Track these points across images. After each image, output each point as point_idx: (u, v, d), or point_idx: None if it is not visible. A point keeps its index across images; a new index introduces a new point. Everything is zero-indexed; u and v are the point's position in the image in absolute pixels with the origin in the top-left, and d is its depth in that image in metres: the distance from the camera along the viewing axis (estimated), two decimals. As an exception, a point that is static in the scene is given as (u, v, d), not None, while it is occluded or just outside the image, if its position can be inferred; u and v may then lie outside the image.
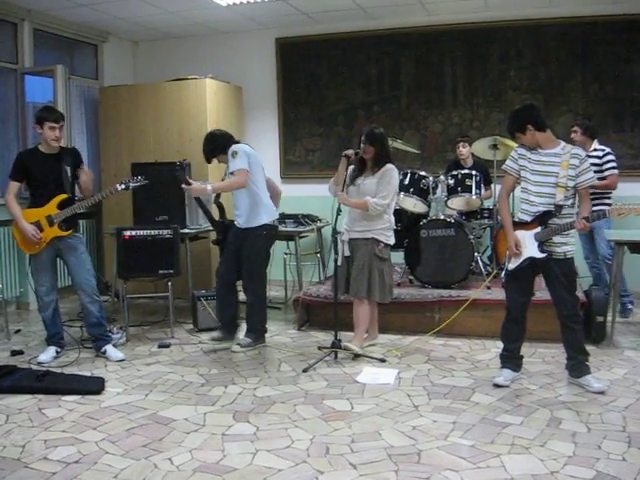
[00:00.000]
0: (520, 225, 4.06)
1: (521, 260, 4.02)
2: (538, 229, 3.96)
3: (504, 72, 6.81)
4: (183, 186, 4.92)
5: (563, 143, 4.00)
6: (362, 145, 4.75)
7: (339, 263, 4.87)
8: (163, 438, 3.40)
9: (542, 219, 3.95)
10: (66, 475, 2.99)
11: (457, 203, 5.88)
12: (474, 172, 5.81)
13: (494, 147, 5.85)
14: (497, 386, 4.08)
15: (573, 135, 5.79)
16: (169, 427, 3.55)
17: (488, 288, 5.43)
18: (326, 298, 5.49)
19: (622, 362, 4.58)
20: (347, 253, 4.85)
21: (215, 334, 5.20)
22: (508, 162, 4.14)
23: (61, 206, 4.67)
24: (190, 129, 6.83)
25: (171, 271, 5.41)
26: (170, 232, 5.41)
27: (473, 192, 5.74)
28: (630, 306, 5.83)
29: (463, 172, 5.82)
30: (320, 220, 6.64)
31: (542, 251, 3.95)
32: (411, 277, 5.79)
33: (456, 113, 7.01)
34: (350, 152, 4.78)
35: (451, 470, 2.99)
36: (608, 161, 5.64)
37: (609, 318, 5.06)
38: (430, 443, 3.29)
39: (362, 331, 4.86)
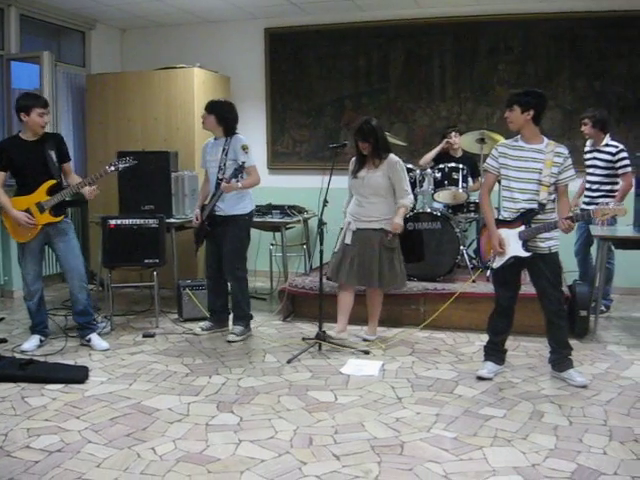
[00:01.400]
0: (504, 223, 4.05)
1: (505, 259, 4.03)
2: (522, 227, 3.96)
3: (492, 66, 6.82)
4: (223, 184, 4.82)
5: (546, 140, 4.01)
6: (359, 143, 4.75)
7: (336, 249, 4.89)
8: (146, 427, 3.39)
9: (525, 217, 3.95)
10: (48, 464, 2.98)
11: (444, 196, 5.89)
12: (461, 165, 5.82)
13: (481, 141, 5.86)
14: (480, 379, 4.11)
15: (583, 128, 5.59)
16: (153, 417, 3.54)
17: (473, 282, 5.46)
18: (311, 289, 5.50)
19: (605, 356, 4.62)
20: (348, 241, 4.84)
21: (205, 323, 5.23)
22: (488, 160, 4.14)
23: (50, 192, 4.63)
24: (177, 118, 6.79)
25: (156, 260, 5.38)
26: (156, 221, 5.39)
27: (460, 185, 5.76)
28: (604, 308, 5.71)
29: (450, 165, 5.83)
30: (307, 211, 6.63)
31: (527, 250, 3.96)
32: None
33: (444, 106, 7.01)
34: None
35: (433, 462, 3.01)
36: (622, 159, 5.39)
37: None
38: (413, 435, 3.31)
39: (377, 319, 5.02)
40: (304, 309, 5.68)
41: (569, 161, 3.95)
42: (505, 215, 4.07)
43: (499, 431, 3.34)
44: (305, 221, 6.73)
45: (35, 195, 4.62)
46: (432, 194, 5.85)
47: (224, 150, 4.95)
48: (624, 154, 5.43)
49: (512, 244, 4.00)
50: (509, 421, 3.47)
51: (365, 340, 4.98)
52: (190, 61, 6.97)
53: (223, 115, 4.97)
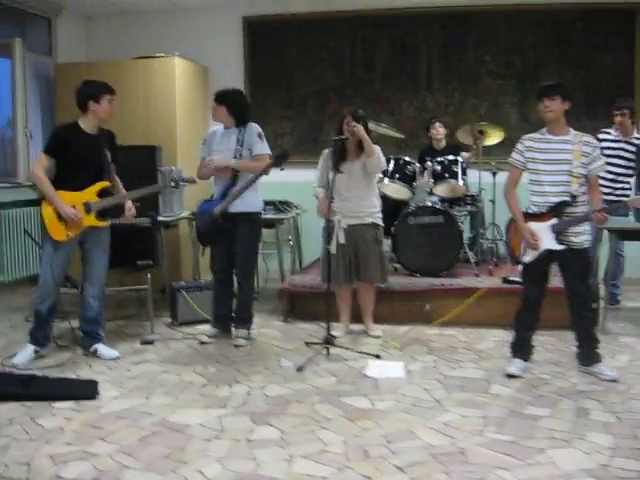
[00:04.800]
0: (532, 217, 3.96)
1: (538, 253, 3.94)
2: (554, 220, 3.88)
3: (480, 57, 6.74)
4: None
5: (573, 131, 3.94)
6: (347, 125, 4.63)
7: (333, 251, 4.70)
8: (183, 447, 3.11)
9: (558, 210, 3.87)
10: (89, 494, 2.69)
11: (442, 189, 5.76)
12: (459, 158, 5.70)
13: (479, 133, 5.77)
14: (510, 376, 4.00)
15: (621, 119, 5.40)
16: (185, 434, 3.26)
17: (477, 276, 5.38)
18: (312, 288, 5.28)
19: (619, 348, 4.58)
20: (342, 240, 4.69)
21: (210, 330, 4.92)
22: (514, 155, 4.04)
23: (100, 194, 4.29)
24: (157, 110, 6.43)
25: (150, 262, 5.06)
26: (149, 221, 5.03)
27: (459, 178, 5.65)
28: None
29: (450, 158, 5.68)
30: (296, 207, 6.38)
31: (560, 243, 3.88)
32: (396, 265, 5.66)
33: (431, 98, 6.89)
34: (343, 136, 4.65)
35: (502, 468, 2.87)
36: None
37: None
38: (468, 440, 3.16)
39: (372, 314, 5.01)
40: (303, 308, 5.44)
41: (598, 151, 3.91)
42: (534, 209, 3.97)
43: (553, 431, 3.23)
44: (294, 217, 6.49)
45: (84, 193, 4.24)
46: (431, 187, 5.69)
47: (239, 140, 4.68)
48: None
49: (544, 237, 3.91)
50: (558, 420, 3.37)
51: (377, 337, 4.86)
52: (163, 50, 6.60)
53: (235, 105, 4.72)
